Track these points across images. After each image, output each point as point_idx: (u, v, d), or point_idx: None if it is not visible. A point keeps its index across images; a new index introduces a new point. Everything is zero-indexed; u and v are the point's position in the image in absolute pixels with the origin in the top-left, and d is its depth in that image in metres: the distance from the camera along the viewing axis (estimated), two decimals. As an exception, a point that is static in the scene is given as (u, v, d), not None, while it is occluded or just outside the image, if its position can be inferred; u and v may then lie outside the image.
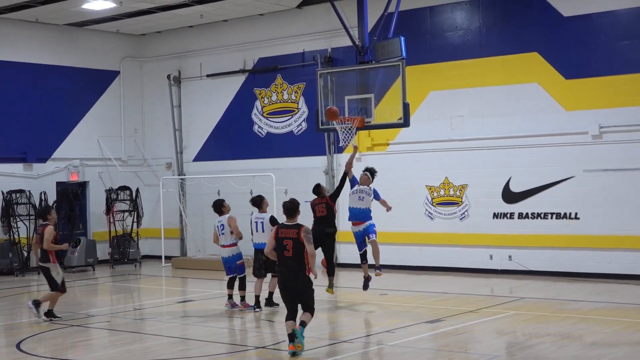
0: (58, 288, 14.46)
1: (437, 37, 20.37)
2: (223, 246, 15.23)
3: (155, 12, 22.55)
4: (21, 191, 22.45)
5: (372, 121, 15.62)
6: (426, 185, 20.33)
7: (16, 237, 22.06)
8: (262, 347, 11.80)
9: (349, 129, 15.44)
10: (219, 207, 15.43)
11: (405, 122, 15.27)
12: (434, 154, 20.31)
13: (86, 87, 24.54)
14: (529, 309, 14.49)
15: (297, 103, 22.62)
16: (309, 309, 11.24)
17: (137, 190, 24.52)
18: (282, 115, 22.93)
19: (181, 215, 24.70)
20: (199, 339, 12.53)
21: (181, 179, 24.66)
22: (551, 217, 18.74)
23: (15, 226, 22.12)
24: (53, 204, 23.06)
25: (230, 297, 15.29)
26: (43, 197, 22.91)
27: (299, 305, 11.26)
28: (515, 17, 19.37)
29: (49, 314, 14.44)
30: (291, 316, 11.12)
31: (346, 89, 15.83)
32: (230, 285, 15.34)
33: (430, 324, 13.22)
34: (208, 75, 24.50)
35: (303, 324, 11.11)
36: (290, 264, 11.14)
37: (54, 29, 23.69)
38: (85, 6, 21.59)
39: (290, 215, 11.38)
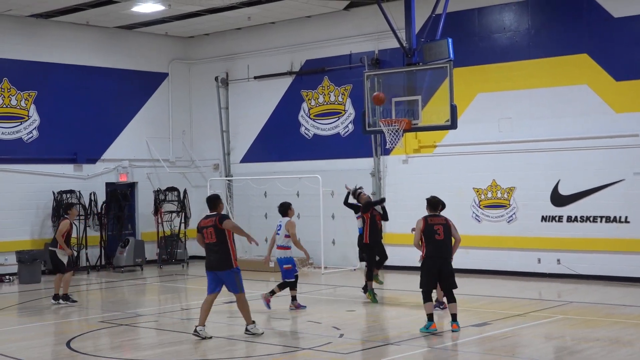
0: (64, 269, 16.24)
1: (485, 39, 20.24)
2: (277, 247, 15.42)
3: (203, 15, 22.73)
4: (71, 191, 22.77)
5: (419, 123, 15.60)
6: (473, 188, 20.20)
7: (66, 236, 22.37)
8: (309, 349, 11.82)
9: (396, 131, 15.42)
10: (286, 209, 15.60)
11: (452, 124, 15.22)
12: (481, 156, 20.18)
13: (135, 89, 24.83)
14: (577, 314, 14.33)
15: (344, 105, 22.63)
16: (453, 296, 12.91)
17: (185, 191, 24.73)
18: (329, 117, 22.96)
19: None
20: (245, 340, 12.59)
21: (228, 180, 24.81)
22: (601, 221, 18.50)
23: (66, 226, 22.41)
24: (103, 204, 23.38)
25: (294, 298, 15.43)
26: (93, 198, 23.23)
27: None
28: (565, 18, 19.17)
29: (65, 297, 16.23)
30: (430, 298, 12.88)
31: (393, 91, 15.82)
32: (292, 287, 15.49)
33: (477, 328, 13.14)
34: (255, 77, 24.62)
35: (455, 317, 12.83)
36: (443, 247, 12.96)
37: (104, 31, 24.00)
38: (135, 9, 21.83)
39: (436, 208, 13.29)
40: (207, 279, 12.74)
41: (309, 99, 23.39)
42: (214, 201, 12.79)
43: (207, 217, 12.74)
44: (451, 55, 15.28)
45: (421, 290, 13.05)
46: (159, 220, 23.98)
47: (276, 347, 12.05)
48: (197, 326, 12.59)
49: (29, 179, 22.33)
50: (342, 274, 21.18)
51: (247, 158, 24.92)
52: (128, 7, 21.64)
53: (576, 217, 18.83)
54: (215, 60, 25.50)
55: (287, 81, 23.92)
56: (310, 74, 23.34)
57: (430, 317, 12.74)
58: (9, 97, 22.07)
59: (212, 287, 12.68)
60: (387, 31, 17.92)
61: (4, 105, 21.98)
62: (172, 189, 24.58)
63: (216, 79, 25.32)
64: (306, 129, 23.45)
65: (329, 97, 22.93)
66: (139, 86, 24.92)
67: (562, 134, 19.01)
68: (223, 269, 12.48)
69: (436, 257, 12.95)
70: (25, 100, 22.40)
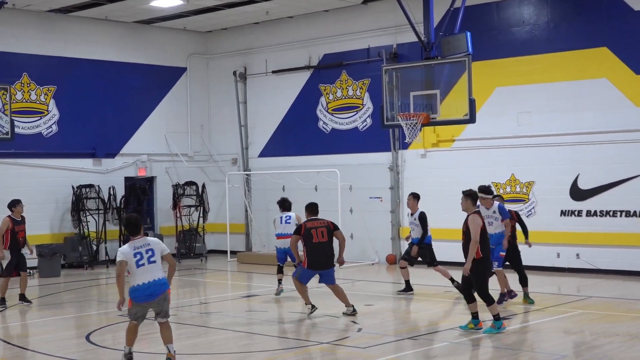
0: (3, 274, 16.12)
1: (504, 33, 20.15)
2: (281, 237, 16.31)
3: (221, 9, 22.75)
4: (90, 186, 22.88)
5: (437, 117, 15.56)
6: (492, 182, 20.12)
7: (85, 231, 22.49)
8: (326, 343, 11.83)
9: (414, 125, 15.39)
10: (289, 206, 16.87)
11: (471, 118, 15.17)
12: (500, 151, 20.11)
13: (154, 83, 24.89)
14: (597, 308, 14.27)
15: (362, 99, 22.60)
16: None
17: (203, 186, 24.79)
18: (347, 111, 22.94)
19: (246, 211, 24.89)
20: (263, 334, 12.62)
21: (246, 174, 24.85)
22: (620, 215, 18.40)
23: (85, 220, 22.54)
24: (122, 198, 23.47)
25: (280, 282, 16.29)
26: (112, 192, 23.33)
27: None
28: (584, 11, 19.06)
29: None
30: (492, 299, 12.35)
31: (411, 85, 15.79)
32: (280, 271, 16.39)
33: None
34: (273, 72, 24.62)
35: (477, 315, 12.42)
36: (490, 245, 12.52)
37: (123, 26, 24.07)
38: (153, 4, 21.89)
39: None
40: (305, 273, 13.91)
41: (327, 93, 23.38)
42: (316, 207, 14.43)
43: (313, 219, 14.16)
44: (470, 49, 15.23)
45: (480, 293, 12.24)
46: (178, 215, 24.04)
47: (294, 341, 12.07)
48: (310, 305, 13.95)
49: (49, 173, 22.45)
50: (360, 268, 21.17)
51: (265, 152, 24.94)
52: (146, 1, 21.69)
53: (596, 211, 18.73)
54: (233, 54, 25.52)
55: (305, 75, 23.91)
56: (328, 68, 23.31)
57: (497, 316, 12.16)
58: (28, 92, 22.19)
59: (305, 281, 13.99)
60: (405, 25, 17.90)
61: (24, 100, 22.10)
62: (190, 184, 24.65)
63: (234, 73, 25.35)
64: (324, 123, 23.44)
65: (347, 91, 22.91)
66: (158, 81, 24.98)
67: (582, 127, 18.91)
68: (330, 267, 13.89)
69: (489, 256, 12.37)
70: (45, 95, 22.51)
